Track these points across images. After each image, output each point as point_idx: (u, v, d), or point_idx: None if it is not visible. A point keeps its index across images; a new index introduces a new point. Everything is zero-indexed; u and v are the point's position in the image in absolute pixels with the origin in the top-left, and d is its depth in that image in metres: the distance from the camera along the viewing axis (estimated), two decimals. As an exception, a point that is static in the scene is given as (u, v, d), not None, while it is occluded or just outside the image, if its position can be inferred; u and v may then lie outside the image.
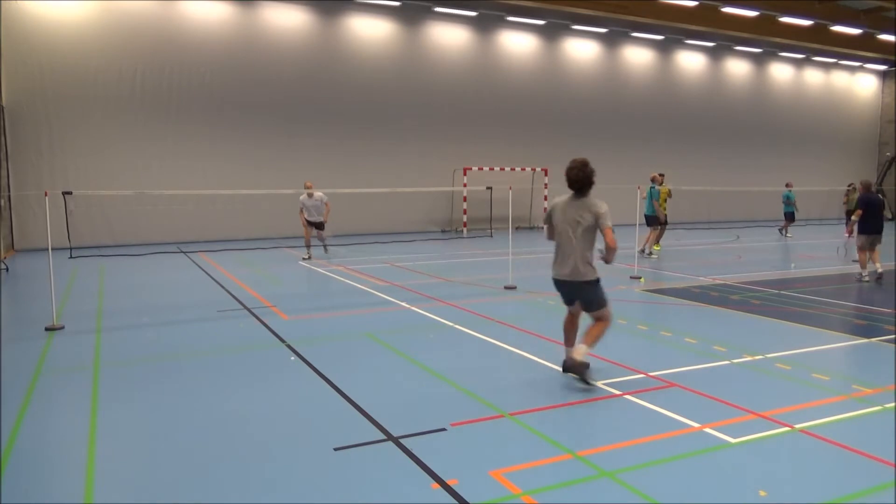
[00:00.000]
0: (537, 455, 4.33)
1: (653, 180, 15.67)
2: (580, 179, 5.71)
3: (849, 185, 20.14)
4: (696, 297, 9.95)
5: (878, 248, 11.65)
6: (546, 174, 23.74)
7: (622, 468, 4.11)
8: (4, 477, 4.09)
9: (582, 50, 24.88)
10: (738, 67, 28.51)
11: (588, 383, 5.63)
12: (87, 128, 17.68)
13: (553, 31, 24.09)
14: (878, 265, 11.45)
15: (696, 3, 21.76)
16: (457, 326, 8.05)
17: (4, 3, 16.46)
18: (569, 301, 6.03)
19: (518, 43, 23.62)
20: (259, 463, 4.27)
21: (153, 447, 4.59)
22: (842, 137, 31.46)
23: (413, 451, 4.37)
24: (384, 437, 4.62)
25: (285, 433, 4.79)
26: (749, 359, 6.58)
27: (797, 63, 30.07)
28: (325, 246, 14.95)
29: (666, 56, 26.68)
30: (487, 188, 14.13)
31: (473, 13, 22.12)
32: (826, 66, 30.88)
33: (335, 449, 4.43)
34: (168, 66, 18.46)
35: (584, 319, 6.10)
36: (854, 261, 12.18)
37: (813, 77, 30.74)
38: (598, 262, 5.77)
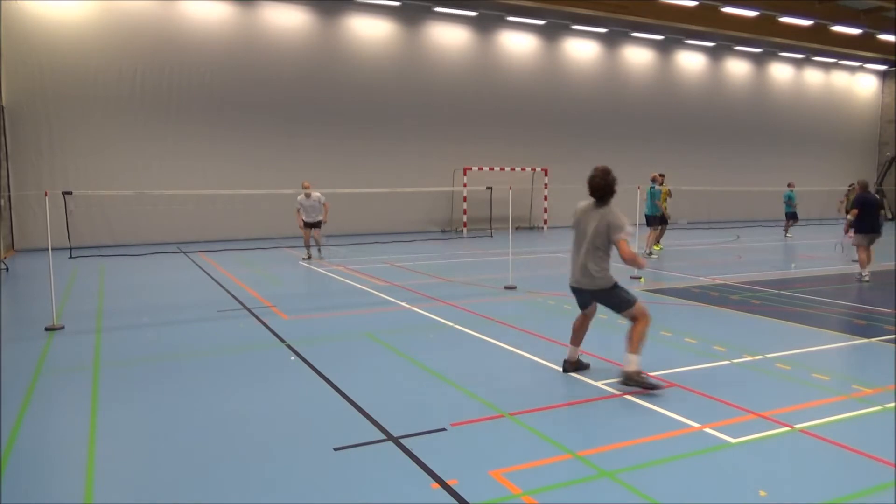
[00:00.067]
0: (537, 455, 4.32)
1: (653, 180, 15.67)
2: (602, 188, 5.66)
3: (849, 186, 20.15)
4: (696, 297, 9.95)
5: (873, 248, 11.69)
6: (546, 174, 23.75)
7: (622, 468, 4.11)
8: (4, 477, 4.09)
9: (582, 50, 24.88)
10: (738, 67, 28.52)
11: (654, 387, 5.46)
12: (87, 128, 17.68)
13: (553, 31, 24.09)
14: (865, 271, 11.44)
15: (696, 3, 21.76)
16: (457, 326, 8.05)
17: (4, 3, 16.46)
18: (582, 305, 6.06)
19: (518, 43, 23.63)
20: (259, 463, 4.27)
21: (153, 447, 4.59)
22: (842, 137, 31.47)
23: (413, 451, 4.37)
24: (384, 437, 4.62)
25: (285, 433, 4.79)
26: (749, 359, 6.58)
27: (797, 63, 30.07)
28: (318, 247, 14.77)
29: (666, 56, 26.69)
30: (487, 188, 14.12)
31: (473, 13, 22.12)
32: (826, 66, 30.89)
33: (335, 449, 4.43)
34: (168, 66, 18.47)
35: (596, 323, 6.10)
36: (853, 261, 12.19)
37: (813, 77, 30.74)
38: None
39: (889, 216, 30.16)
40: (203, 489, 3.94)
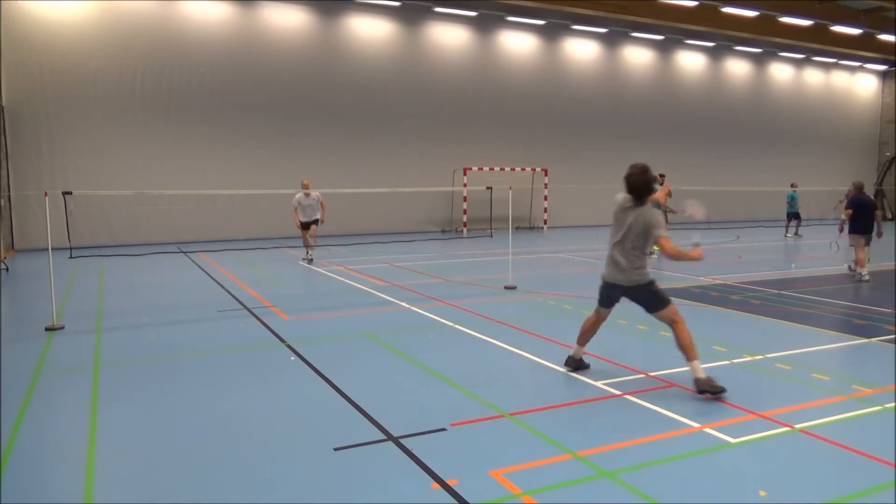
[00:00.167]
0: (537, 455, 4.32)
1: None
2: (640, 186, 5.57)
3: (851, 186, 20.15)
4: (696, 297, 9.95)
5: (868, 250, 11.81)
6: (546, 174, 23.75)
7: (622, 468, 4.11)
8: (4, 477, 4.09)
9: (582, 50, 24.88)
10: (738, 67, 28.52)
11: (723, 390, 5.30)
12: (87, 128, 17.68)
13: (553, 31, 24.09)
14: (864, 270, 11.53)
15: (696, 3, 21.77)
16: (457, 326, 8.05)
17: (4, 3, 16.46)
18: (607, 302, 5.94)
19: (518, 43, 23.63)
20: (259, 463, 4.27)
21: (153, 447, 4.59)
22: (842, 137, 31.47)
23: (413, 451, 4.37)
24: (384, 437, 4.61)
25: (285, 433, 4.79)
26: (749, 359, 6.58)
27: (797, 63, 30.08)
28: (312, 246, 14.27)
29: (666, 56, 26.69)
30: (487, 188, 14.12)
31: (473, 13, 22.12)
32: (826, 66, 30.89)
33: (335, 449, 4.43)
34: (168, 66, 18.47)
35: (605, 327, 6.10)
36: (850, 268, 12.22)
37: (813, 77, 30.75)
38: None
39: (889, 216, 30.18)
40: (203, 489, 3.94)
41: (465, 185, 21.23)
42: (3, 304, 10.00)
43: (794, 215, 20.42)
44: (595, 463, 4.19)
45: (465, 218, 22.46)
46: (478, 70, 22.89)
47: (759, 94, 29.10)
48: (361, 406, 5.24)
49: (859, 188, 11.97)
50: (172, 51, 18.48)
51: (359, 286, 11.16)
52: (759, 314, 8.79)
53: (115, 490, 3.96)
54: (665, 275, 12.56)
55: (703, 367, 5.42)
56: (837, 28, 25.07)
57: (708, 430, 4.72)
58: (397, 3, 20.98)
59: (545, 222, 23.97)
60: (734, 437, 4.58)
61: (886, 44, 27.07)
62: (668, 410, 5.07)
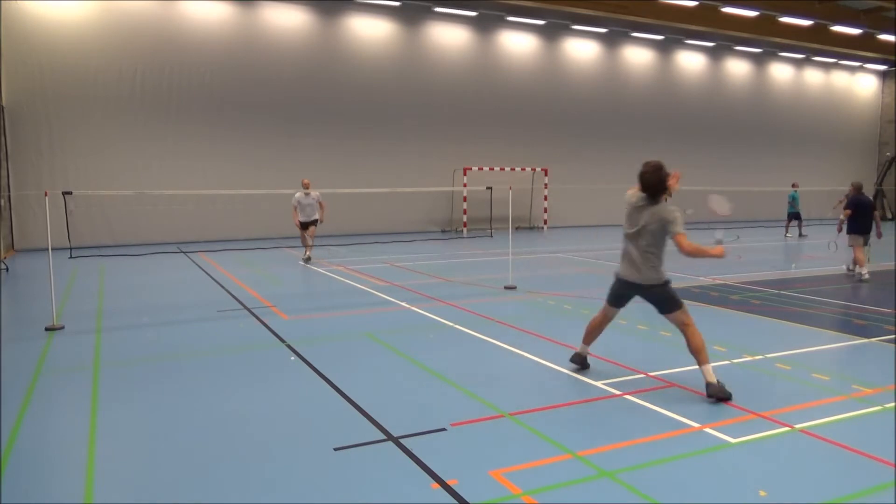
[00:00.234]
0: (537, 455, 4.32)
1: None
2: (654, 184, 5.47)
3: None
4: (696, 297, 9.95)
5: (867, 249, 11.91)
6: (546, 174, 23.75)
7: (622, 468, 4.11)
8: (4, 477, 4.09)
9: (582, 50, 24.88)
10: (738, 67, 28.52)
11: (729, 397, 5.27)
12: (87, 128, 17.68)
13: (553, 31, 24.09)
14: (861, 268, 11.59)
15: (696, 3, 21.77)
16: (457, 326, 8.05)
17: (4, 3, 16.46)
18: (617, 301, 5.85)
19: (518, 43, 23.63)
20: (259, 463, 4.27)
21: (153, 447, 4.59)
22: (842, 137, 31.48)
23: (413, 451, 4.37)
24: (384, 437, 4.61)
25: (285, 433, 4.79)
26: (749, 359, 6.58)
27: (797, 63, 30.08)
28: (310, 246, 14.15)
29: (666, 56, 26.69)
30: (487, 188, 14.12)
31: (473, 13, 22.13)
32: (826, 66, 30.89)
33: (335, 449, 4.43)
34: (168, 66, 18.47)
35: (611, 328, 6.09)
36: (849, 269, 12.25)
37: (813, 77, 30.75)
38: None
39: (889, 216, 30.17)
40: (203, 489, 3.94)
41: (465, 185, 21.23)
42: (3, 304, 10.00)
43: (794, 215, 20.42)
44: (595, 463, 4.19)
45: (465, 218, 22.46)
46: (478, 70, 22.89)
47: (759, 94, 29.11)
48: (361, 406, 5.24)
49: (858, 188, 12.04)
50: (172, 51, 18.48)
51: (359, 286, 11.16)
52: (759, 314, 8.79)
53: (115, 490, 3.96)
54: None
55: (698, 369, 5.42)
56: (837, 28, 25.07)
57: (708, 430, 4.72)
58: (397, 3, 20.98)
59: (545, 222, 23.98)
60: (734, 437, 4.58)
61: (886, 44, 27.07)
62: (668, 410, 5.07)
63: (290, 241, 17.68)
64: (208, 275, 12.49)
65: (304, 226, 13.95)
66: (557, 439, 4.55)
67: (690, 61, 27.31)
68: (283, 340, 7.40)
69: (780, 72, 29.73)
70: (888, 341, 7.30)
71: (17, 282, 12.37)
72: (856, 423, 4.91)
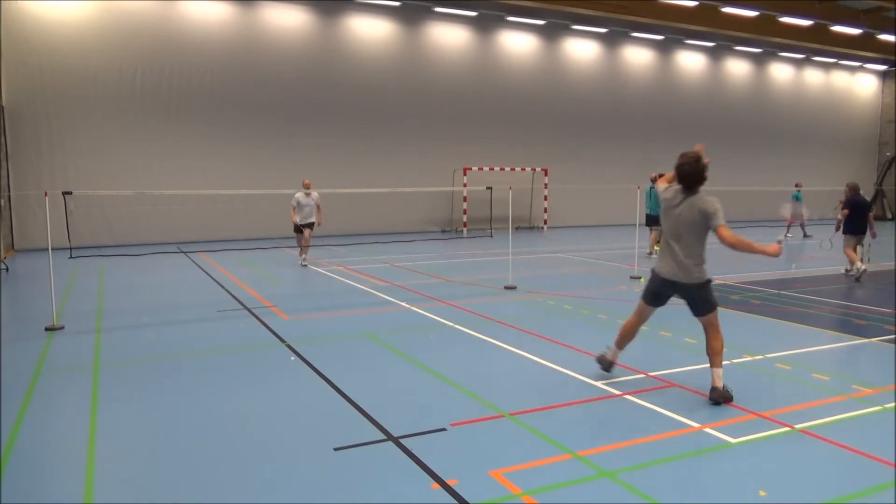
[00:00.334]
0: (537, 455, 4.32)
1: (653, 180, 15.68)
2: (691, 175, 5.23)
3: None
4: (696, 297, 9.94)
5: (861, 248, 12.07)
6: (546, 174, 23.75)
7: (622, 468, 4.11)
8: (4, 477, 4.09)
9: (582, 50, 24.88)
10: (738, 67, 28.51)
11: (730, 399, 5.25)
12: (87, 128, 17.68)
13: (553, 31, 24.09)
14: (859, 264, 11.79)
15: (696, 3, 21.76)
16: (457, 326, 8.05)
17: (4, 3, 16.46)
18: (656, 300, 5.61)
19: (518, 43, 23.63)
20: (259, 463, 4.27)
21: (153, 447, 4.59)
22: (842, 137, 31.47)
23: (413, 451, 4.37)
24: (384, 437, 4.61)
25: (285, 433, 4.79)
26: (749, 359, 6.58)
27: (797, 63, 30.08)
28: (307, 247, 14.00)
29: (666, 56, 26.69)
30: (487, 188, 14.12)
31: (473, 13, 22.12)
32: (826, 66, 30.89)
33: (335, 449, 4.43)
34: (168, 66, 18.47)
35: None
36: (847, 270, 12.28)
37: (813, 77, 30.74)
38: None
39: (889, 216, 30.17)
40: (203, 489, 3.94)
41: (465, 185, 21.23)
42: (3, 304, 10.00)
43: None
44: (595, 463, 4.19)
45: (465, 218, 22.46)
46: (478, 70, 22.89)
47: (759, 94, 29.10)
48: (361, 406, 5.24)
49: (854, 189, 12.14)
50: (172, 51, 18.48)
51: (359, 286, 11.16)
52: (759, 314, 8.79)
53: (115, 490, 3.96)
54: (665, 275, 12.56)
55: (701, 367, 5.42)
56: (837, 28, 25.06)
57: (708, 430, 4.73)
58: (397, 3, 20.98)
59: (545, 222, 23.97)
60: (734, 437, 4.58)
61: (886, 44, 27.06)
62: (668, 410, 5.08)
63: (290, 241, 17.65)
64: (208, 275, 12.49)
65: (300, 228, 13.76)
66: (557, 439, 4.56)
67: (690, 61, 27.31)
68: (283, 340, 7.40)
69: (780, 72, 29.73)
70: (888, 341, 7.30)
71: (17, 282, 12.37)
72: (856, 423, 4.91)
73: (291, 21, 20.04)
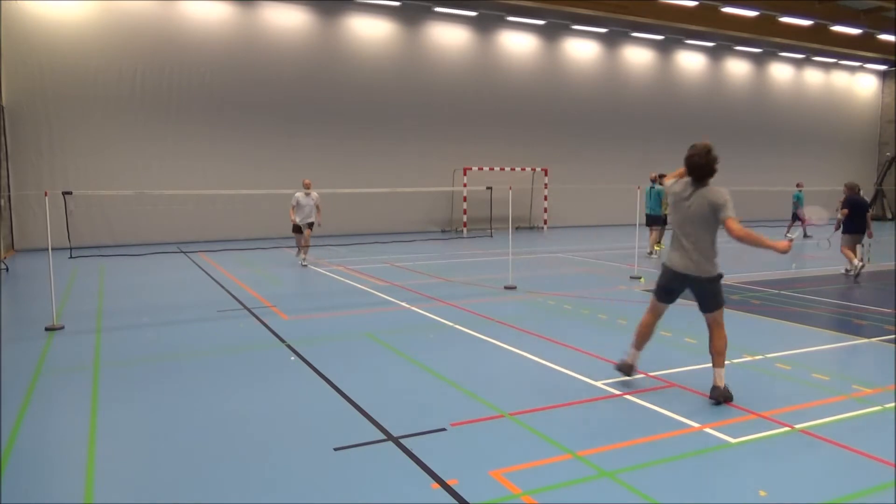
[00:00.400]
0: (537, 455, 4.32)
1: (652, 181, 15.70)
2: (701, 167, 5.13)
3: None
4: (696, 297, 9.94)
5: (859, 247, 12.19)
6: (546, 174, 23.74)
7: (622, 468, 4.11)
8: (4, 477, 4.09)
9: (582, 50, 24.88)
10: (738, 67, 28.51)
11: (730, 398, 5.25)
12: (87, 128, 17.68)
13: (553, 31, 24.09)
14: (856, 261, 11.91)
15: (696, 3, 21.76)
16: (457, 326, 8.05)
17: (4, 3, 16.46)
18: (667, 296, 5.53)
19: (518, 43, 23.62)
20: (259, 463, 4.27)
21: (153, 447, 4.59)
22: (842, 137, 31.46)
23: (413, 451, 4.37)
24: (384, 437, 4.62)
25: (285, 433, 4.79)
26: (749, 359, 6.58)
27: (797, 63, 30.07)
28: (306, 247, 14.02)
29: (666, 56, 26.68)
30: (487, 188, 14.12)
31: (473, 13, 22.12)
32: (826, 66, 30.88)
33: (335, 449, 4.43)
34: (168, 66, 18.47)
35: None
36: (847, 270, 12.29)
37: (813, 77, 30.74)
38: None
39: (889, 216, 30.17)
40: (203, 489, 3.94)
41: (465, 185, 21.23)
42: (3, 304, 9.99)
43: (798, 216, 20.42)
44: (595, 463, 4.19)
45: (465, 218, 22.45)
46: (478, 70, 22.89)
47: (759, 94, 29.09)
48: (361, 406, 5.24)
49: (852, 188, 12.21)
50: (172, 51, 18.48)
51: (359, 286, 11.16)
52: (759, 314, 8.79)
53: (115, 490, 3.96)
54: (665, 275, 12.56)
55: (701, 367, 5.42)
56: (837, 28, 25.06)
57: (708, 430, 4.73)
58: (397, 3, 20.98)
59: (545, 222, 23.97)
60: (734, 437, 4.58)
61: (886, 44, 27.06)
62: (668, 410, 5.08)
63: (290, 241, 17.65)
64: (208, 275, 12.49)
65: (300, 229, 13.75)
66: (557, 439, 4.56)
67: (690, 61, 27.30)
68: (283, 340, 7.40)
69: (780, 72, 29.72)
70: (888, 341, 7.30)
71: (17, 282, 12.37)
72: (856, 423, 4.91)
73: (291, 21, 20.04)
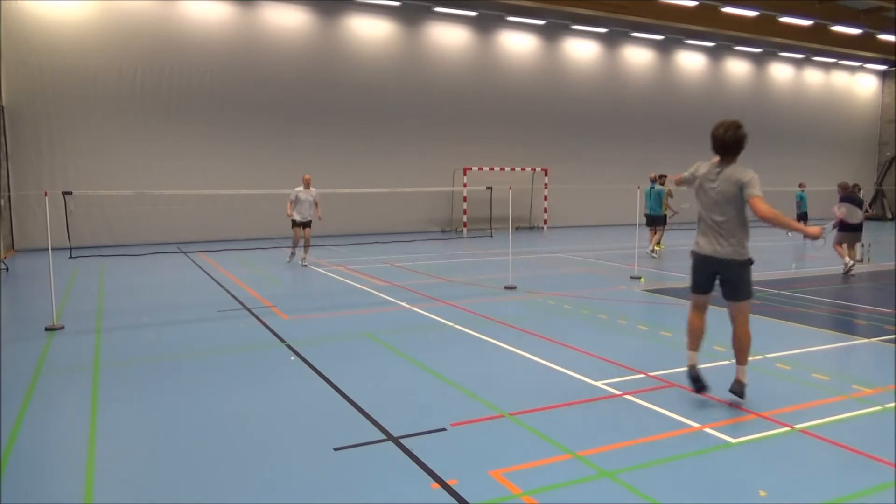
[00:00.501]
0: (537, 455, 4.32)
1: (652, 181, 15.72)
2: (730, 143, 4.98)
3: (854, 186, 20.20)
4: (696, 297, 9.94)
5: (859, 245, 12.45)
6: (546, 174, 23.75)
7: (622, 468, 4.11)
8: (4, 477, 4.09)
9: (582, 50, 24.88)
10: (738, 67, 28.51)
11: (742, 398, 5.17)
12: (87, 128, 17.68)
13: (553, 31, 24.09)
14: (847, 259, 12.08)
15: (696, 3, 21.77)
16: (457, 326, 8.04)
17: (4, 3, 16.46)
18: (703, 284, 5.23)
19: (518, 43, 23.62)
20: (259, 463, 4.27)
21: (153, 447, 4.59)
22: (842, 137, 31.46)
23: (413, 451, 4.37)
24: (384, 437, 4.61)
25: (285, 433, 4.79)
26: (749, 359, 6.57)
27: (797, 63, 30.07)
28: (306, 247, 13.88)
29: (666, 56, 26.68)
30: (487, 188, 14.13)
31: (473, 13, 22.12)
32: (826, 66, 30.88)
33: (335, 449, 4.43)
34: (168, 66, 18.47)
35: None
36: (847, 272, 12.32)
37: (813, 77, 30.74)
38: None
39: (889, 216, 30.17)
40: (203, 489, 3.94)
41: (465, 185, 21.23)
42: (3, 304, 9.99)
43: (802, 216, 20.42)
44: (595, 463, 4.19)
45: (465, 218, 22.45)
46: (478, 70, 22.89)
47: (759, 94, 29.09)
48: (361, 406, 5.24)
49: (845, 188, 12.31)
50: (172, 51, 18.48)
51: (359, 286, 11.16)
52: (759, 314, 8.77)
53: (115, 490, 3.96)
54: (666, 275, 12.56)
55: (701, 368, 5.41)
56: (837, 28, 25.06)
57: (708, 430, 4.72)
58: (397, 3, 20.98)
59: (545, 222, 23.97)
60: (734, 437, 4.58)
61: (886, 44, 27.06)
62: (668, 410, 5.07)
63: (290, 241, 17.65)
64: (208, 275, 12.49)
65: (299, 225, 13.70)
66: (557, 439, 4.55)
67: (690, 61, 27.30)
68: (283, 340, 7.40)
69: (780, 72, 29.72)
70: (888, 341, 7.30)
71: (17, 282, 12.37)
72: (856, 423, 4.91)
73: (291, 21, 20.04)
